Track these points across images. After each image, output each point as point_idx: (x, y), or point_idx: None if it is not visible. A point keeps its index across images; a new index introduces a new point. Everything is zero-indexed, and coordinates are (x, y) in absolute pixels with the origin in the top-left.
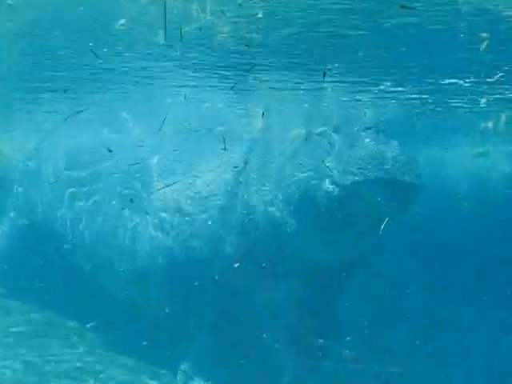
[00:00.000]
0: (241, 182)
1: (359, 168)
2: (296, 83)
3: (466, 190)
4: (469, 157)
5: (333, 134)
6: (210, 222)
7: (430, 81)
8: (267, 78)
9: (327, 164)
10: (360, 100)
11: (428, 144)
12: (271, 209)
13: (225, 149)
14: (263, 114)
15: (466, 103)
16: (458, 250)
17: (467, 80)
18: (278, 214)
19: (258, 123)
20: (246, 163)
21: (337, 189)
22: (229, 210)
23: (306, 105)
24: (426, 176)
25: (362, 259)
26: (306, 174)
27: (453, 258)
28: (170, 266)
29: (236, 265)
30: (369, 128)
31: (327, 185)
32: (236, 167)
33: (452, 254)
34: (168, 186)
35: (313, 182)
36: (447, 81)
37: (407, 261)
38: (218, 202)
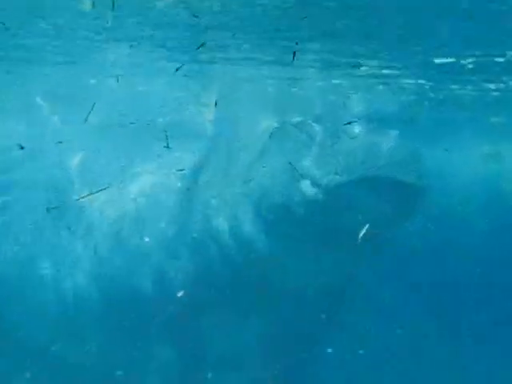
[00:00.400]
0: (189, 189)
1: (347, 166)
2: (261, 64)
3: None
4: (476, 157)
5: (313, 124)
6: (148, 244)
7: (426, 60)
8: (223, 58)
9: (306, 163)
10: (341, 85)
11: (428, 141)
12: (232, 224)
13: (167, 146)
14: (216, 103)
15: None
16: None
17: (469, 60)
18: (241, 230)
19: (212, 114)
20: (196, 165)
21: (319, 193)
22: (173, 227)
23: (275, 90)
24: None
25: (352, 286)
26: (278, 178)
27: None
28: (101, 306)
29: (180, 294)
30: (358, 118)
31: (306, 189)
32: (181, 170)
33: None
34: (94, 193)
35: (287, 186)
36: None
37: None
38: (159, 216)
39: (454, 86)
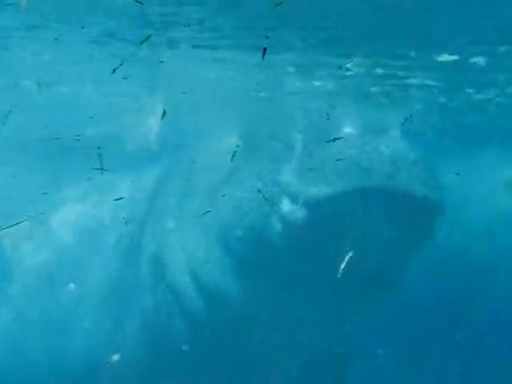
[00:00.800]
0: (127, 223)
1: (338, 177)
2: (223, 63)
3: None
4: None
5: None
6: (74, 294)
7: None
8: (174, 55)
9: (285, 177)
10: (322, 86)
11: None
12: (192, 268)
13: (101, 168)
14: (164, 112)
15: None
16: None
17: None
18: (204, 276)
19: (158, 125)
20: (140, 191)
21: (300, 211)
22: (111, 272)
23: (243, 95)
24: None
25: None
26: (246, 206)
27: None
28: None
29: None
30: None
31: (285, 214)
32: (119, 198)
33: None
34: (6, 228)
35: (260, 214)
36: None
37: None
38: (91, 259)
39: (469, 90)
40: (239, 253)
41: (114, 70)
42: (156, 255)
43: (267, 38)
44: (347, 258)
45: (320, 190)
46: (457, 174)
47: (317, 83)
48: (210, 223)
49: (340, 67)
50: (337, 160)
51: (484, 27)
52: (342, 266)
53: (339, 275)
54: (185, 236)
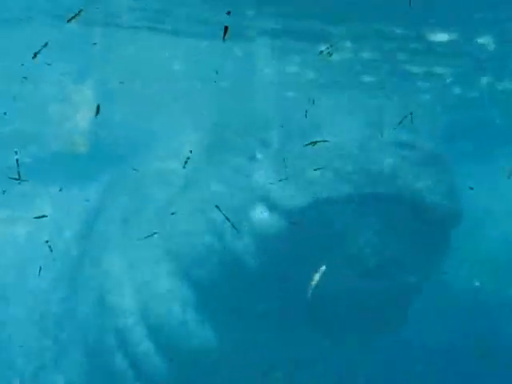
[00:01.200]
0: (51, 247)
1: (325, 182)
2: (173, 46)
3: None
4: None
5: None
6: None
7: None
8: (111, 35)
9: (260, 180)
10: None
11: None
12: (142, 301)
13: (18, 178)
14: (98, 108)
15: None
16: None
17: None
18: (154, 313)
19: (91, 122)
20: (69, 207)
21: (277, 220)
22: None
23: (198, 85)
24: None
25: None
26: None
27: None
28: None
29: None
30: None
31: (257, 220)
32: (42, 217)
33: None
34: None
35: (223, 234)
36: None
37: None
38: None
39: (486, 78)
40: (201, 282)
41: (36, 55)
42: (90, 291)
43: (228, 13)
44: (320, 273)
45: (303, 197)
46: (471, 188)
47: (292, 70)
48: (161, 246)
49: (321, 51)
50: (318, 168)
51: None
52: (314, 282)
53: (309, 295)
54: (131, 265)
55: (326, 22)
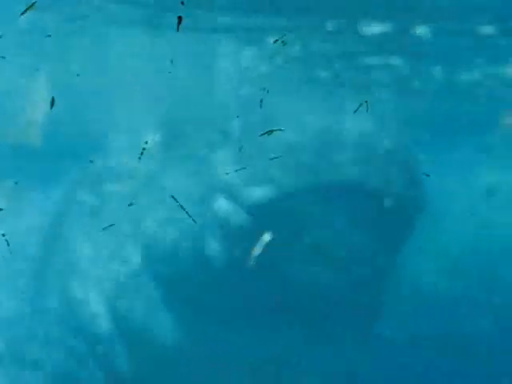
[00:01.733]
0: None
1: (286, 172)
2: (130, 37)
3: None
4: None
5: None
6: None
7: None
8: (65, 27)
9: (226, 171)
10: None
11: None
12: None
13: None
14: (53, 100)
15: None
16: None
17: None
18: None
19: (45, 115)
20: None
21: (239, 212)
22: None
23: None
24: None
25: None
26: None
27: None
28: None
29: None
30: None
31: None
32: None
33: None
34: None
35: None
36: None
37: None
38: None
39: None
40: (166, 275)
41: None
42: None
43: (182, 3)
44: (263, 242)
45: (266, 189)
46: (426, 174)
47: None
48: (126, 242)
49: (275, 40)
50: (274, 158)
51: None
52: (256, 251)
53: (251, 263)
54: (95, 263)
55: (278, 16)
